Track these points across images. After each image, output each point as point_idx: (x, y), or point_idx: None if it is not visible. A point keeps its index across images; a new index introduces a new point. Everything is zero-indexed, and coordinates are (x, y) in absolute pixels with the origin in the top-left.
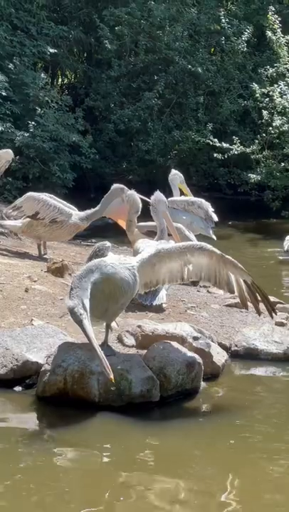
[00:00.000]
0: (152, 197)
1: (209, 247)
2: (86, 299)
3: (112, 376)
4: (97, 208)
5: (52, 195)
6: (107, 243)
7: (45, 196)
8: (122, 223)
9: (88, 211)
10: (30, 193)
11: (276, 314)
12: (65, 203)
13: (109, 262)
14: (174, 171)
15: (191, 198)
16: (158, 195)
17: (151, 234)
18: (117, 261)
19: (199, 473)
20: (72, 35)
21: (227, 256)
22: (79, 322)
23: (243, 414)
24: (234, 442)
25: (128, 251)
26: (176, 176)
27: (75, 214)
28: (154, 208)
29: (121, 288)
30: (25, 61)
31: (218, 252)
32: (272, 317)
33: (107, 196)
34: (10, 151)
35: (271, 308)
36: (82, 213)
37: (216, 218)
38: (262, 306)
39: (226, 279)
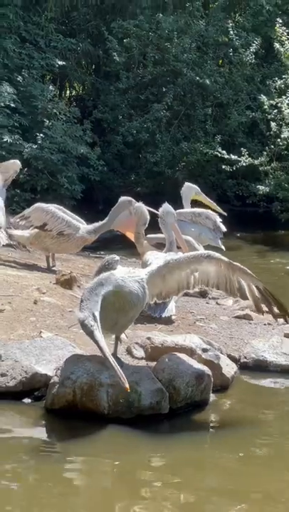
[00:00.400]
0: (160, 209)
1: (217, 255)
2: (96, 311)
3: (127, 385)
4: (104, 221)
5: (61, 207)
6: (116, 257)
7: (53, 208)
8: (130, 235)
9: (96, 224)
10: (38, 204)
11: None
12: (73, 215)
13: (119, 275)
14: (187, 184)
15: (198, 209)
16: (166, 207)
17: (160, 246)
18: (126, 274)
19: (209, 486)
20: (81, 47)
21: (235, 263)
22: (90, 333)
23: (253, 426)
24: (243, 455)
25: (137, 263)
26: (189, 189)
27: (83, 227)
28: (162, 220)
29: (130, 301)
30: (33, 73)
31: (225, 259)
32: (287, 321)
33: (115, 209)
34: (17, 161)
35: (286, 313)
36: (90, 226)
37: (224, 228)
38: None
39: (237, 286)
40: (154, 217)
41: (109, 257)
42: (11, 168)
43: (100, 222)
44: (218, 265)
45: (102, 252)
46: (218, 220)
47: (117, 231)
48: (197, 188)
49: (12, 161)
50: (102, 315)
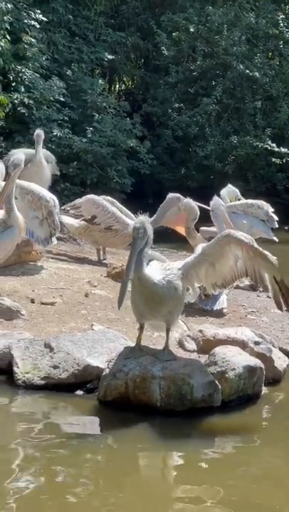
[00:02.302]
0: (211, 202)
1: (237, 234)
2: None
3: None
4: (153, 218)
5: (113, 200)
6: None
7: (105, 201)
8: (181, 230)
9: None
10: (91, 196)
11: None
12: (124, 209)
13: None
14: (228, 187)
15: (250, 200)
16: (217, 200)
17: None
18: (157, 267)
19: (258, 480)
20: (130, 41)
21: (257, 246)
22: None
23: None
24: None
25: (187, 256)
26: (229, 193)
27: (131, 224)
28: (214, 214)
29: (157, 293)
30: (83, 67)
31: (246, 241)
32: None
33: (163, 206)
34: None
35: None
36: None
37: (276, 218)
38: None
39: (258, 273)
40: (203, 211)
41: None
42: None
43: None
44: (240, 247)
45: (152, 246)
46: (271, 210)
47: (166, 227)
48: (237, 191)
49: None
50: (142, 303)
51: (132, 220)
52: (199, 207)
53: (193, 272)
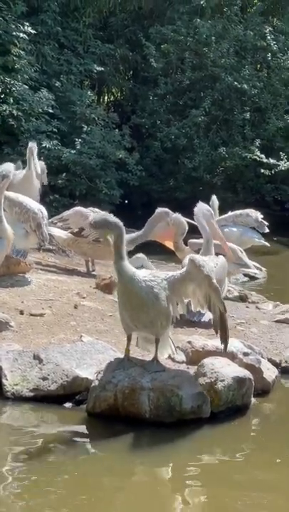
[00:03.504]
0: (196, 208)
1: (207, 270)
2: None
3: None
4: (141, 232)
5: (100, 211)
6: (143, 256)
7: (92, 213)
8: (170, 244)
9: (132, 235)
10: (78, 208)
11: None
12: None
13: (136, 273)
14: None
15: (238, 211)
16: (201, 205)
17: None
18: (145, 274)
19: (249, 493)
20: (119, 53)
21: (213, 281)
22: None
23: None
24: (280, 461)
25: (176, 268)
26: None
27: None
28: (197, 218)
29: (141, 299)
30: (72, 79)
31: (210, 277)
32: (224, 350)
33: (152, 220)
34: (41, 163)
35: (225, 343)
36: (127, 236)
37: (266, 223)
38: None
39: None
40: (192, 226)
41: (136, 256)
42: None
43: (137, 233)
44: (204, 280)
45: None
46: (260, 216)
47: (155, 241)
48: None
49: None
50: (124, 308)
51: None
52: (188, 222)
53: (182, 287)
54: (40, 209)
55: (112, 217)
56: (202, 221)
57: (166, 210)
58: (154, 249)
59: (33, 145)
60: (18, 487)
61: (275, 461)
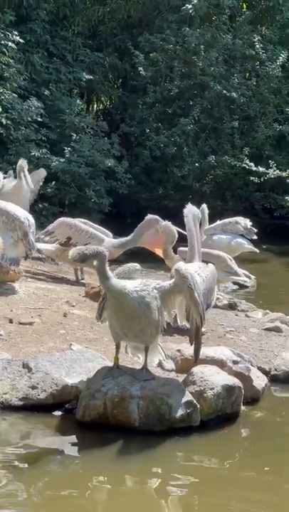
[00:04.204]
0: (185, 209)
1: (192, 285)
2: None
3: None
4: (130, 238)
5: (86, 221)
6: (138, 266)
7: (77, 222)
8: (159, 252)
9: (122, 239)
10: (62, 219)
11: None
12: (99, 227)
13: (127, 284)
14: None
15: (227, 219)
16: (190, 207)
17: None
18: (136, 284)
19: (239, 501)
20: (108, 61)
21: (196, 296)
22: None
23: (284, 439)
24: (273, 469)
25: (165, 276)
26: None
27: (108, 240)
28: (187, 219)
29: (134, 309)
30: (61, 87)
31: (194, 292)
32: (195, 361)
33: (141, 226)
34: (42, 169)
35: (196, 357)
36: (116, 241)
37: (255, 230)
38: None
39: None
40: (181, 234)
41: (131, 265)
42: (37, 178)
43: (126, 238)
44: (186, 291)
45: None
46: (249, 223)
47: (143, 248)
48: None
49: (36, 171)
50: (115, 318)
51: (107, 236)
52: (177, 231)
53: (170, 298)
54: (26, 217)
55: (88, 249)
56: (191, 222)
57: (156, 217)
58: (144, 258)
59: (23, 161)
60: (7, 496)
61: (263, 469)
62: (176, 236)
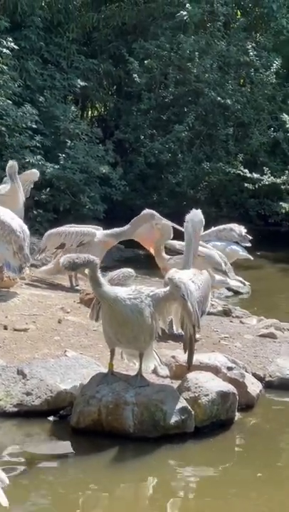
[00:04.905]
0: (188, 216)
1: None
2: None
3: None
4: (125, 228)
5: (72, 225)
6: (132, 272)
7: (64, 227)
8: (150, 247)
9: (116, 229)
10: (48, 231)
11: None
12: (87, 226)
13: (120, 291)
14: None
15: (221, 225)
16: (195, 213)
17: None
18: (129, 291)
19: (231, 506)
20: (102, 68)
21: (190, 306)
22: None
23: (278, 445)
24: (267, 476)
25: (160, 282)
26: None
27: (101, 232)
28: (187, 225)
29: (126, 316)
30: (55, 94)
31: (187, 302)
32: (188, 369)
33: (137, 219)
34: (35, 170)
35: (189, 365)
36: (109, 231)
37: (249, 237)
38: None
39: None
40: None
41: (126, 270)
42: (28, 178)
43: (121, 228)
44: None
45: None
46: (244, 230)
47: (139, 249)
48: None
49: (29, 171)
50: (108, 325)
51: (97, 230)
52: (175, 228)
53: (165, 306)
54: (22, 230)
55: (79, 258)
56: (190, 230)
57: (152, 212)
58: (138, 264)
59: (13, 163)
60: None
61: (258, 476)
62: (172, 236)
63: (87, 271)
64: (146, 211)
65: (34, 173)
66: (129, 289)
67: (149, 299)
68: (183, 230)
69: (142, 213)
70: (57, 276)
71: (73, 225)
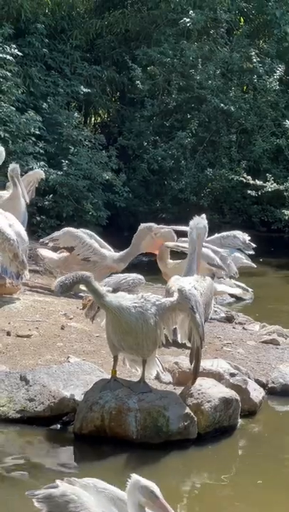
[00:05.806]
0: (192, 222)
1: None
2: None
3: None
4: (128, 250)
5: (92, 233)
6: (143, 279)
7: (82, 233)
8: (157, 251)
9: (122, 253)
10: (68, 228)
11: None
12: (102, 242)
13: (125, 300)
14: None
15: (225, 232)
16: (198, 220)
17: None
18: (135, 300)
19: None
20: (106, 74)
21: (196, 316)
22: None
23: (281, 452)
24: (262, 482)
25: (163, 289)
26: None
27: (110, 256)
28: (191, 234)
29: (130, 325)
30: (59, 101)
31: (193, 313)
32: (193, 383)
33: (137, 237)
34: (39, 170)
35: (194, 377)
36: (116, 255)
37: (253, 245)
38: None
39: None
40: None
41: (136, 277)
42: (32, 179)
43: (125, 251)
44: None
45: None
46: (247, 237)
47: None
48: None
49: (32, 171)
50: (112, 332)
51: (109, 251)
52: (174, 230)
53: (171, 316)
54: (17, 238)
55: (68, 278)
56: (194, 237)
57: (148, 225)
58: (141, 271)
59: (15, 166)
60: (3, 510)
61: (260, 482)
62: (174, 237)
63: (83, 287)
64: (143, 226)
65: (38, 173)
66: (135, 296)
67: (155, 307)
68: (183, 229)
69: (138, 229)
70: None
71: (93, 235)
